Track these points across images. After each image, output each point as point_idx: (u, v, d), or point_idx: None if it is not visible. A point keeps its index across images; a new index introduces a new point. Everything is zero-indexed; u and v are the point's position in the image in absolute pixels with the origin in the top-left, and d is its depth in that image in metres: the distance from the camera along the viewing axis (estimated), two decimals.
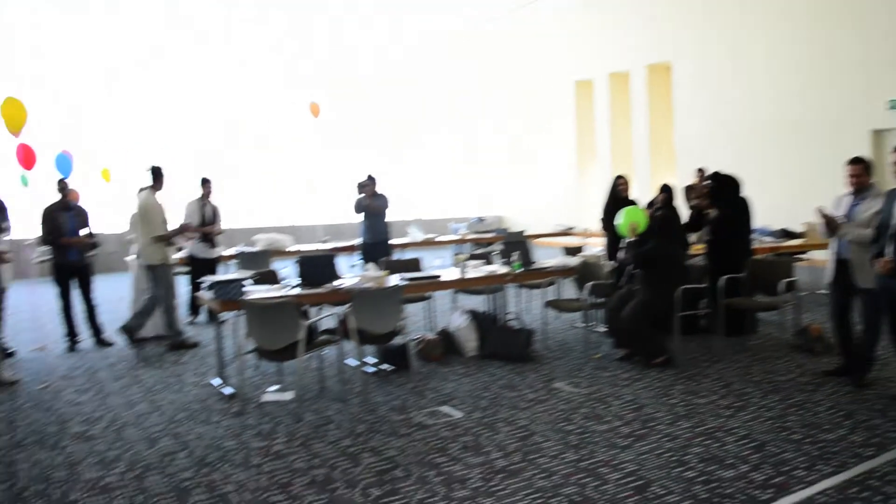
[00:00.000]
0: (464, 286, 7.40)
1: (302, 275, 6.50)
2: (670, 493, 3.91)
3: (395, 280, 6.66)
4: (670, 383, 5.93)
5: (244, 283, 6.13)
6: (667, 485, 4.01)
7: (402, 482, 4.18)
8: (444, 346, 7.08)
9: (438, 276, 6.98)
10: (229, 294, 5.95)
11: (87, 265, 8.27)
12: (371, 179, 9.78)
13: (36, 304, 10.56)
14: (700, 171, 9.60)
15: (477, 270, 7.26)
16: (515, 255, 7.26)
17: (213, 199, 9.56)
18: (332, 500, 3.95)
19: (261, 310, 5.54)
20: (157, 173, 7.96)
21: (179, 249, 9.47)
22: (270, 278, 6.80)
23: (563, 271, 7.47)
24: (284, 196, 18.39)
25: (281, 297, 5.72)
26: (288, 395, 5.95)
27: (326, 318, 6.44)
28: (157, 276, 7.85)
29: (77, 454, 4.84)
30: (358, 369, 6.57)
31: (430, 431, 5.01)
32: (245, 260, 9.48)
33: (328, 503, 3.92)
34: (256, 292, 6.19)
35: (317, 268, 6.55)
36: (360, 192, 9.81)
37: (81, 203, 8.69)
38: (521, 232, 11.44)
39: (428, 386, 6.11)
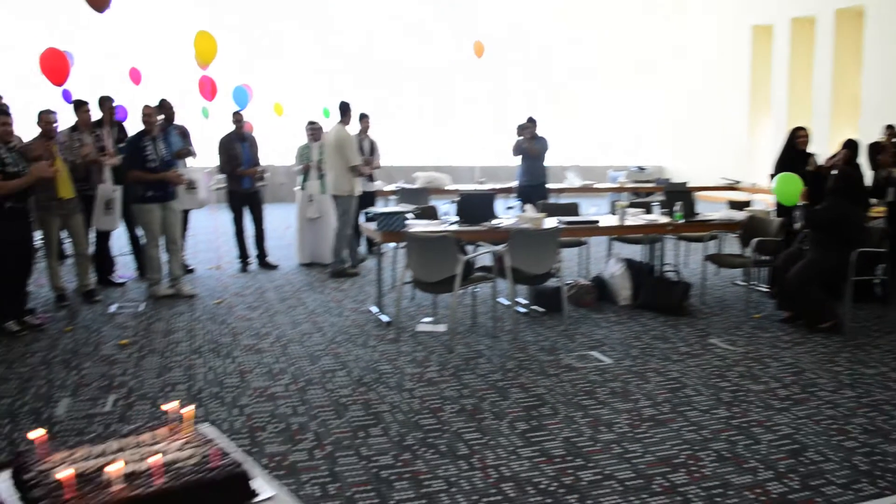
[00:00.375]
0: (621, 233, 7.28)
1: (461, 212, 6.63)
2: (827, 460, 3.76)
3: (552, 222, 6.67)
4: (836, 350, 5.63)
5: (407, 216, 6.33)
6: (824, 452, 3.85)
7: (549, 419, 4.25)
8: (597, 293, 7.04)
9: (597, 222, 6.91)
10: (392, 226, 6.17)
11: (258, 192, 8.80)
12: (531, 121, 9.72)
13: (213, 227, 11.36)
14: (890, 128, 8.88)
15: (636, 218, 7.12)
16: (678, 206, 7.06)
17: (371, 133, 9.86)
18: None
19: (422, 242, 5.72)
20: (345, 108, 8.36)
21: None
22: (430, 213, 6.97)
23: (728, 225, 7.19)
24: (445, 136, 18.62)
25: (442, 231, 5.86)
26: (441, 328, 6.15)
27: (482, 255, 6.55)
28: (340, 205, 8.28)
29: (247, 364, 5.25)
30: (510, 308, 6.66)
31: (579, 374, 5.04)
32: (404, 195, 9.73)
33: (476, 431, 4.07)
34: (417, 226, 6.39)
35: (476, 206, 6.66)
36: (519, 135, 9.79)
37: (254, 135, 9.22)
38: (685, 183, 11.04)
39: (578, 330, 6.13)
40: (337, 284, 7.93)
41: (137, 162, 7.11)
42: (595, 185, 12.11)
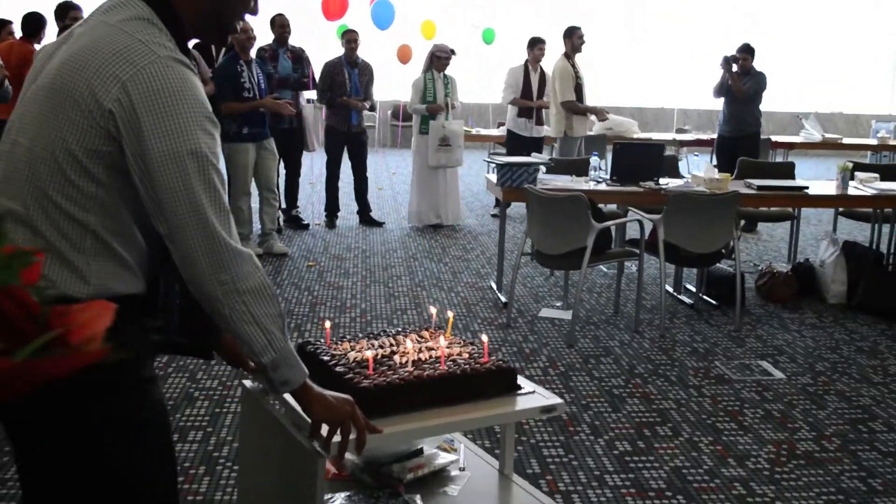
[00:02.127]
0: (838, 206, 6.89)
1: (617, 167, 6.53)
2: None
3: (738, 186, 6.43)
4: None
5: (539, 167, 6.32)
6: None
7: (664, 442, 4.15)
8: (797, 285, 6.71)
9: (804, 188, 6.56)
10: (518, 180, 6.18)
11: (364, 133, 9.19)
12: (747, 50, 9.26)
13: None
14: None
15: (865, 187, 6.70)
16: None
17: (546, 65, 9.84)
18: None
19: (545, 203, 5.70)
20: (568, 33, 9.10)
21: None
22: (579, 167, 6.90)
23: None
24: (654, 73, 18.11)
25: (571, 190, 5.81)
26: (568, 314, 6.12)
27: (620, 224, 6.42)
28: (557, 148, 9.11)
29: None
30: (670, 296, 6.56)
31: (731, 388, 4.86)
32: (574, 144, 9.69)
33: (561, 447, 4.06)
34: (554, 181, 6.36)
35: (637, 159, 6.55)
36: (725, 69, 9.36)
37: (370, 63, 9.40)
38: None
39: (755, 332, 5.89)
40: (462, 252, 8.07)
41: (230, 91, 7.52)
42: (843, 141, 11.40)
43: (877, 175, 6.98)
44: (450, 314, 2.78)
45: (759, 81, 9.22)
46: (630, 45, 18.18)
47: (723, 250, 5.98)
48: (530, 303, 6.47)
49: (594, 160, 6.66)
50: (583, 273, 5.67)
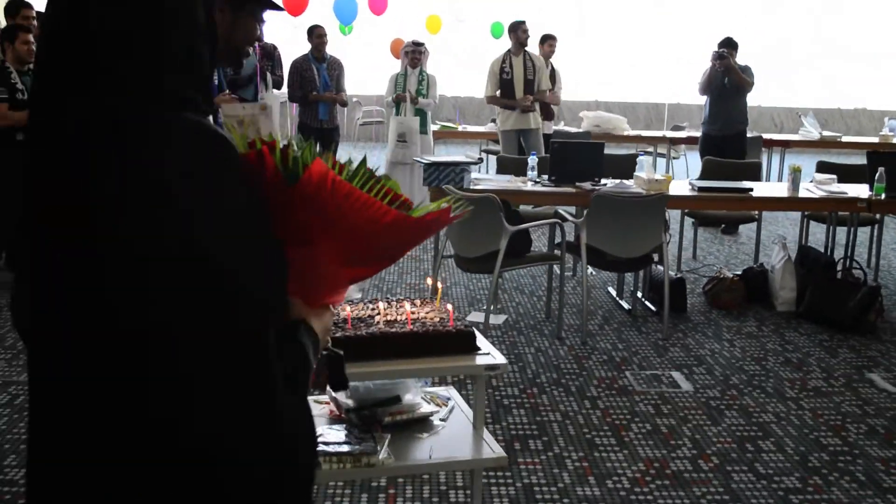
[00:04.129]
0: (787, 209, 6.65)
1: (554, 166, 6.37)
2: None
3: (684, 188, 6.25)
4: None
5: (467, 168, 6.17)
6: None
7: (529, 456, 4.01)
8: (746, 291, 6.47)
9: (749, 190, 6.33)
10: (444, 180, 6.04)
11: (336, 129, 9.18)
12: (730, 45, 8.93)
13: None
14: None
15: (818, 188, 6.45)
16: (880, 174, 6.29)
17: (555, 60, 9.76)
18: None
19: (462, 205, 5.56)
20: (513, 28, 8.93)
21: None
22: (517, 166, 6.76)
23: None
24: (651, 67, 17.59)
25: (482, 191, 5.66)
26: (500, 319, 5.98)
27: (534, 227, 6.25)
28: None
29: None
30: (611, 300, 6.41)
31: (628, 401, 4.69)
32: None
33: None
34: (488, 181, 6.24)
35: (575, 158, 6.39)
36: (714, 63, 9.05)
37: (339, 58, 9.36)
38: None
39: (683, 341, 5.68)
40: (419, 252, 7.96)
41: None
42: (842, 139, 11.01)
43: (834, 177, 6.70)
44: (440, 285, 3.17)
45: (750, 75, 8.85)
46: (625, 41, 17.88)
47: (653, 255, 5.80)
48: (464, 306, 6.34)
49: (532, 160, 6.50)
50: (495, 277, 5.52)
